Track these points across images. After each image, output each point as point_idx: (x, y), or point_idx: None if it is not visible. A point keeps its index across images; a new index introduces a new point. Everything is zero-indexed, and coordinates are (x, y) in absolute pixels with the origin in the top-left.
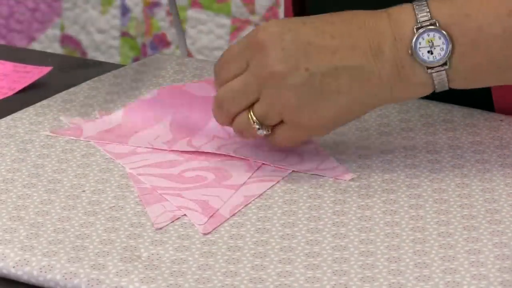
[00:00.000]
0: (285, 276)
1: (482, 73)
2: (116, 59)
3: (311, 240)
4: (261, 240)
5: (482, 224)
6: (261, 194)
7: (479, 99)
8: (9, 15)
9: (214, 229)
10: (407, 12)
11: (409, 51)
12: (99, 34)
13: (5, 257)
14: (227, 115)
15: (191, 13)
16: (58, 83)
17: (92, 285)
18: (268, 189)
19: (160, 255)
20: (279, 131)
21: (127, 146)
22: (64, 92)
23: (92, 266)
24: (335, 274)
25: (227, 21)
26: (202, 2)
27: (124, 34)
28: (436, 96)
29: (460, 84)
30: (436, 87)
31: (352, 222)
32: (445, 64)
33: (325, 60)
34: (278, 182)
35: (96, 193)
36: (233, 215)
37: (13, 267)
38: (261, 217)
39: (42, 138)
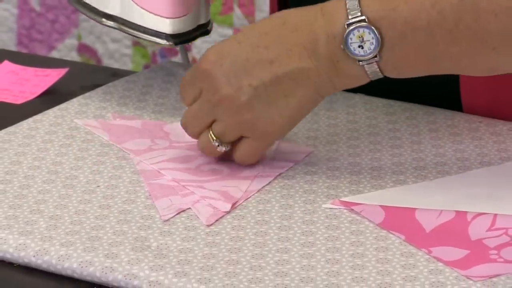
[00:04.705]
0: (282, 264)
1: (411, 63)
2: (128, 66)
3: (306, 231)
4: (261, 231)
5: None
6: (260, 189)
7: (449, 101)
8: (31, 26)
9: (216, 220)
10: (339, 9)
11: (342, 47)
12: (113, 44)
13: (26, 247)
14: (192, 135)
15: None
16: (75, 88)
17: (106, 273)
18: (266, 185)
19: (168, 245)
20: (240, 146)
21: (144, 143)
22: (80, 96)
23: (106, 255)
24: (328, 263)
25: (229, 32)
26: None
27: (136, 44)
28: (418, 98)
29: (392, 73)
30: (370, 77)
31: (344, 215)
32: (375, 56)
33: (265, 72)
34: (275, 178)
35: (110, 188)
36: (235, 208)
37: (34, 256)
38: (260, 210)
39: (60, 138)
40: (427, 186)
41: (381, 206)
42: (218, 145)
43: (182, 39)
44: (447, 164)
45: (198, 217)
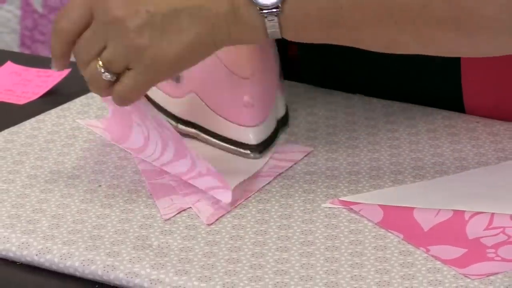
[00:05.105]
0: (282, 263)
1: (311, 25)
2: None
3: (305, 230)
4: (260, 230)
5: None
6: (260, 189)
7: (451, 99)
8: (33, 27)
9: (217, 219)
10: None
11: None
12: None
13: (28, 245)
14: (82, 62)
15: None
16: (77, 89)
17: (107, 271)
18: (266, 184)
19: (169, 243)
20: (123, 78)
21: (142, 132)
22: (82, 97)
23: (107, 254)
24: (327, 261)
25: None
26: None
27: None
28: (416, 98)
29: (291, 33)
30: (268, 32)
31: (343, 214)
32: (277, 8)
33: (164, 2)
34: (275, 177)
35: (112, 187)
36: (235, 207)
37: (36, 255)
38: (260, 209)
39: (63, 138)
40: (425, 186)
41: (379, 205)
42: (104, 72)
43: (266, 144)
44: (445, 164)
45: (198, 216)
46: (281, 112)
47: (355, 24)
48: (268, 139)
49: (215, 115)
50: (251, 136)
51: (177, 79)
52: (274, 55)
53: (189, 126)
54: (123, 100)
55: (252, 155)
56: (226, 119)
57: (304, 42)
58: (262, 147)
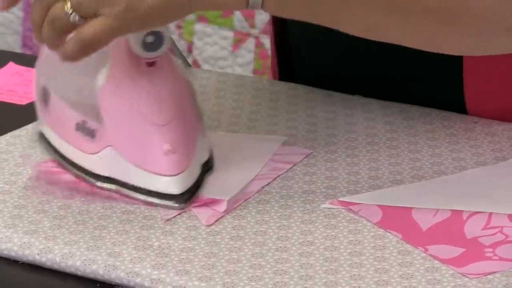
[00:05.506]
0: (281, 263)
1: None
2: None
3: (305, 230)
4: (260, 231)
5: None
6: (259, 190)
7: (453, 104)
8: None
9: (216, 221)
10: None
11: None
12: None
13: (30, 245)
14: (44, 7)
15: (198, 27)
16: None
17: (108, 271)
18: (266, 186)
19: (170, 244)
20: (92, 21)
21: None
22: None
23: (109, 254)
24: (326, 261)
25: (230, 34)
26: (208, 17)
27: None
28: (415, 100)
29: (272, 4)
30: (250, 0)
31: (342, 214)
32: None
33: None
34: (275, 179)
35: None
36: (235, 208)
37: (38, 254)
38: (260, 210)
39: None
40: (424, 186)
41: (378, 205)
42: (71, 13)
43: (191, 192)
44: (443, 164)
45: (199, 218)
46: (204, 157)
47: (336, 5)
48: (193, 187)
49: (135, 168)
50: (176, 185)
51: (92, 135)
52: (191, 98)
53: (109, 183)
54: (84, 46)
55: (177, 205)
56: (147, 170)
57: (284, 16)
58: (187, 196)
